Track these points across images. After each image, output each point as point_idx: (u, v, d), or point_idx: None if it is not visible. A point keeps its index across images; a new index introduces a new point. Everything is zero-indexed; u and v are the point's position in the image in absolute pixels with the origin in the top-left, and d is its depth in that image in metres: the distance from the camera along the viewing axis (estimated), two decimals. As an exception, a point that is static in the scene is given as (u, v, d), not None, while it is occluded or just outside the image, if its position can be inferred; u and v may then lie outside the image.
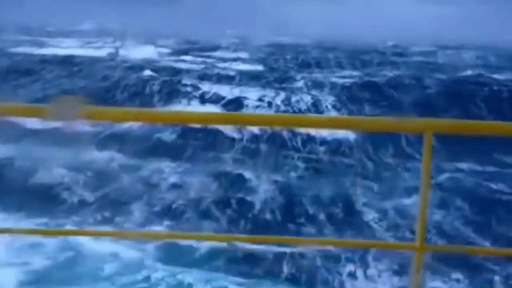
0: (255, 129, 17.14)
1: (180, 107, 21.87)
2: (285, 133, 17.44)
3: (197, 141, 16.72)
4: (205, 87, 25.08)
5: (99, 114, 2.05)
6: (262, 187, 12.86)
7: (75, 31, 56.03)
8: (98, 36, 49.23)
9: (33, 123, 15.96)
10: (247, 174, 13.95)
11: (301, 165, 15.58)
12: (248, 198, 12.38)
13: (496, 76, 28.19)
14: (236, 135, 17.25)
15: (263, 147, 16.79)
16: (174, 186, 13.20)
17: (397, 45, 51.19)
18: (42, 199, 12.48)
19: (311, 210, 11.65)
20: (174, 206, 12.00)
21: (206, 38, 51.48)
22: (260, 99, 24.43)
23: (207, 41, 48.96)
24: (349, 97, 24.84)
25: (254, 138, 17.24)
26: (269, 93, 25.22)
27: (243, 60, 37.82)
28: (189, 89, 24.63)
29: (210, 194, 12.39)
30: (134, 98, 23.11)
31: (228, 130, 17.11)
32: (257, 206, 12.03)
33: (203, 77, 28.08)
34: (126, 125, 16.74)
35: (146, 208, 12.09)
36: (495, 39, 53.90)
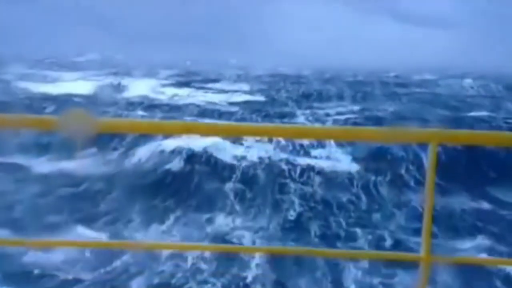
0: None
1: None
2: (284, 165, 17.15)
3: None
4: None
5: (112, 126, 2.06)
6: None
7: (78, 62, 56.42)
8: (101, 68, 49.52)
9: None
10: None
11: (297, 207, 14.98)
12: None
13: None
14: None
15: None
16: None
17: (398, 75, 51.22)
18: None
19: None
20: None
21: (209, 68, 51.76)
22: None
23: (209, 72, 49.20)
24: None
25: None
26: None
27: (245, 92, 37.87)
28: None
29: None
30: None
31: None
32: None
33: (203, 113, 27.98)
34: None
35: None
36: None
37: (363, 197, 15.22)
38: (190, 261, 10.68)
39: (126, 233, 12.47)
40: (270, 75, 49.50)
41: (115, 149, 17.92)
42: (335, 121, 26.86)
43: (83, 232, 12.26)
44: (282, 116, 28.82)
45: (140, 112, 26.69)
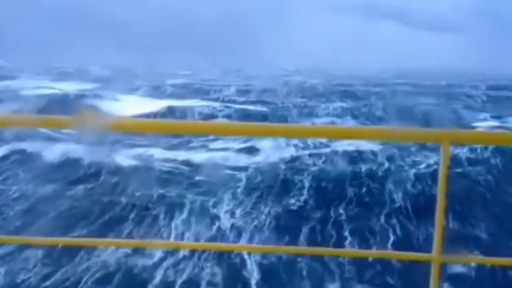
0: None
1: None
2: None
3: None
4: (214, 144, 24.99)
5: (125, 125, 2.08)
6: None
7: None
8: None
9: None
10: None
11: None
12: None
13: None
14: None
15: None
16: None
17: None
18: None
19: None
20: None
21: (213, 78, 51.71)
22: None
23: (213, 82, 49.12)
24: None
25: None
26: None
27: (250, 103, 37.79)
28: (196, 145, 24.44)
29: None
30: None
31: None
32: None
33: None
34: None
35: None
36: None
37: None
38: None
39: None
40: (274, 83, 49.28)
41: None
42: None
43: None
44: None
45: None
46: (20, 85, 42.13)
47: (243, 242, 12.08)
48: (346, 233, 12.16)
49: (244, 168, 20.15)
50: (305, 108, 35.94)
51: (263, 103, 37.64)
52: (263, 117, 31.94)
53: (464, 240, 11.01)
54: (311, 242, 11.49)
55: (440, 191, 1.94)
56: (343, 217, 13.49)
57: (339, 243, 11.41)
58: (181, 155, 21.15)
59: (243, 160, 22.80)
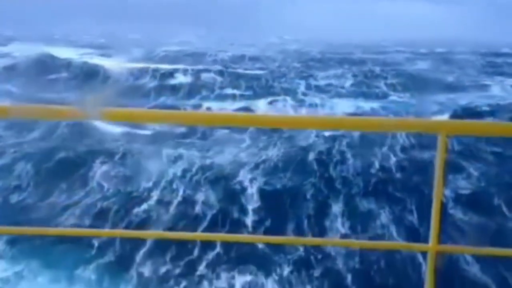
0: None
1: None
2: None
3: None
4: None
5: (122, 115, 2.11)
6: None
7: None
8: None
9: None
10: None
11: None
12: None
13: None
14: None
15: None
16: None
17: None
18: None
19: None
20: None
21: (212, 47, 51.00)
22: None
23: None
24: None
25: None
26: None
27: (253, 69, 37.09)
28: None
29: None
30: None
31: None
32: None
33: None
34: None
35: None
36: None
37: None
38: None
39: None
40: (275, 50, 48.56)
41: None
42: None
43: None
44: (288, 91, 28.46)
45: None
46: (13, 48, 41.68)
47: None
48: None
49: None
50: (303, 73, 35.43)
51: (258, 68, 37.04)
52: (257, 80, 31.49)
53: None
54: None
55: (437, 181, 1.96)
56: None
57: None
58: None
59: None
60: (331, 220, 10.23)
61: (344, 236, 9.57)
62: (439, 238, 1.97)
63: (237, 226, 10.29)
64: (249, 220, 10.55)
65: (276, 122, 2.30)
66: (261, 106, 25.07)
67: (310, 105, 25.30)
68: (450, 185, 11.61)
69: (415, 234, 9.62)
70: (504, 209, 10.82)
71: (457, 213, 10.67)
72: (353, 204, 10.96)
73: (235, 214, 10.82)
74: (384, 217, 10.50)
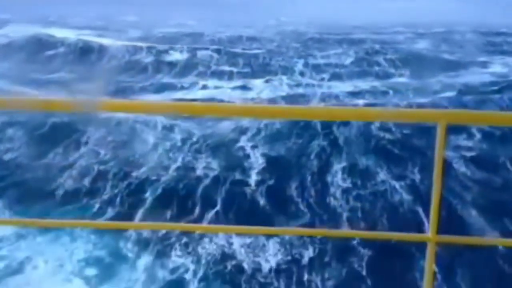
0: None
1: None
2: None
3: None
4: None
5: (119, 106, 2.13)
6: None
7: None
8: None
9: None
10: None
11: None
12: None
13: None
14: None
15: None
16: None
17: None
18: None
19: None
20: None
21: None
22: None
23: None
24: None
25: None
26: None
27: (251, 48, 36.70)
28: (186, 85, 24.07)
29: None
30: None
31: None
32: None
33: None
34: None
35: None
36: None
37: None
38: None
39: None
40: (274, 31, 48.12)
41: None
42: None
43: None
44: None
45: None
46: (9, 30, 41.19)
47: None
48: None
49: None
50: (302, 52, 35.11)
51: (256, 48, 36.67)
52: (255, 58, 31.20)
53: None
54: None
55: (436, 172, 1.94)
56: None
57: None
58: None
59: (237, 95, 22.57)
60: (332, 175, 10.08)
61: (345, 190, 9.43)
62: (438, 228, 1.96)
63: (240, 185, 10.13)
64: (252, 179, 10.38)
65: (276, 113, 2.28)
66: (258, 85, 24.81)
67: (307, 85, 25.00)
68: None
69: (416, 190, 9.49)
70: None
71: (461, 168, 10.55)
72: (354, 161, 10.82)
73: (238, 175, 10.66)
74: (384, 174, 10.37)
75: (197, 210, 9.46)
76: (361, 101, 18.42)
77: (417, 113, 2.00)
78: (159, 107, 2.23)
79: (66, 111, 1.93)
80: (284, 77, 26.64)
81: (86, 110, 1.90)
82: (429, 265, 2.01)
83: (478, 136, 12.31)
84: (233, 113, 2.25)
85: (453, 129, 11.84)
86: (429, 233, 1.97)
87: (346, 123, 12.54)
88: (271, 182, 10.23)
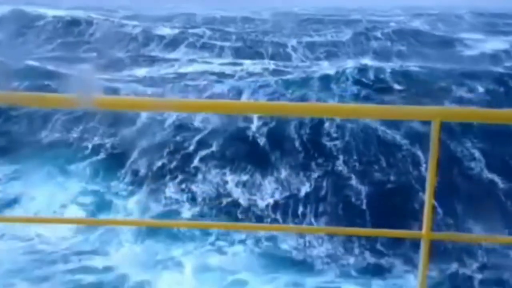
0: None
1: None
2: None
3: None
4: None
5: (116, 103, 2.18)
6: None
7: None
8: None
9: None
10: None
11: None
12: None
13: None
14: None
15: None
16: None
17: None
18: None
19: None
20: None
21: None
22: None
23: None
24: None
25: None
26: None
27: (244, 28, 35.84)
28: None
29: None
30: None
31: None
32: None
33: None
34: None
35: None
36: None
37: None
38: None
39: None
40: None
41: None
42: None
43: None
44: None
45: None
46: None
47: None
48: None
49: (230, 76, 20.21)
50: (297, 31, 34.53)
51: (250, 28, 35.93)
52: (248, 35, 30.53)
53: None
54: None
55: (430, 168, 1.92)
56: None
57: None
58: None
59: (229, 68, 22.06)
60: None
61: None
62: (432, 225, 1.90)
63: (242, 133, 9.64)
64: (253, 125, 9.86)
65: (277, 109, 2.32)
66: (248, 63, 24.01)
67: (297, 67, 24.14)
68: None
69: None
70: None
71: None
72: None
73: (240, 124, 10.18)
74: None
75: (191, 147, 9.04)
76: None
77: (411, 110, 1.96)
78: (159, 106, 2.18)
79: (62, 107, 1.96)
80: (276, 58, 26.07)
81: (82, 107, 1.85)
82: (423, 261, 1.97)
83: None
84: (232, 110, 2.46)
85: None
86: (423, 230, 1.94)
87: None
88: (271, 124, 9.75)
